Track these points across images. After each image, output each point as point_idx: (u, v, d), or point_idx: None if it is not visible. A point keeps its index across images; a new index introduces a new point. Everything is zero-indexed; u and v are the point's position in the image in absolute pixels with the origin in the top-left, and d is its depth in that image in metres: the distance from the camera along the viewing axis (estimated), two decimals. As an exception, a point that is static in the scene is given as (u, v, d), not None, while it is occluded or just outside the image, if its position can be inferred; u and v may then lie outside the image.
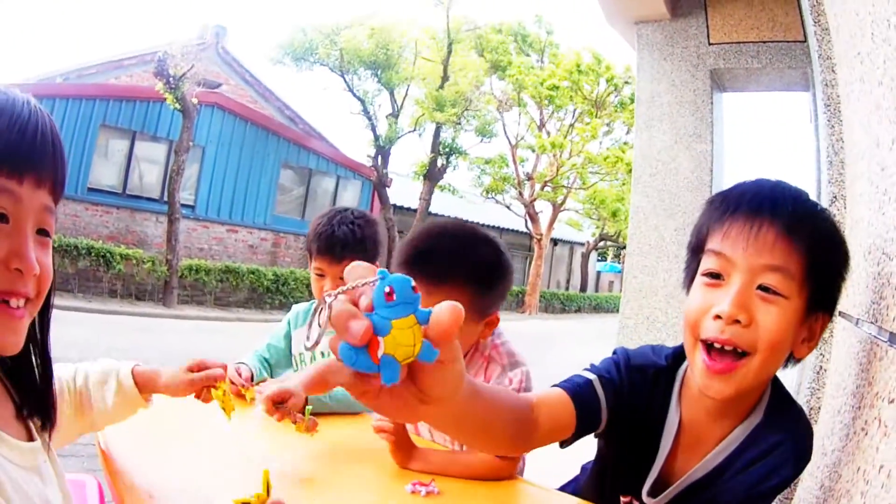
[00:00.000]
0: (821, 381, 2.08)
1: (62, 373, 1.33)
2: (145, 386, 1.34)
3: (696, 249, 1.20)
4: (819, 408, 2.01)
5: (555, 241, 30.11)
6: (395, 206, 20.93)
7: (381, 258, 2.35)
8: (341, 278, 1.88)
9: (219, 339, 11.00)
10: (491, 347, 1.73)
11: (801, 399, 2.25)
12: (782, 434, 1.13)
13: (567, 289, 32.94)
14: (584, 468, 1.64)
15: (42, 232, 0.88)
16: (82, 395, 1.32)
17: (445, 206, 22.48)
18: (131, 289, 13.88)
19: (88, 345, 8.35)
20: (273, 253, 18.17)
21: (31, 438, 0.95)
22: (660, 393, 1.27)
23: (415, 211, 21.01)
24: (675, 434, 1.24)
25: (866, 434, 0.99)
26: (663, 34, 4.13)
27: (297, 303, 2.53)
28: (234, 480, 1.37)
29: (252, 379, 2.17)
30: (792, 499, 1.94)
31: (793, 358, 1.16)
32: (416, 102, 20.48)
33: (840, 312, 1.99)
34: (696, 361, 1.13)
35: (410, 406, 0.67)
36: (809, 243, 1.07)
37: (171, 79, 13.02)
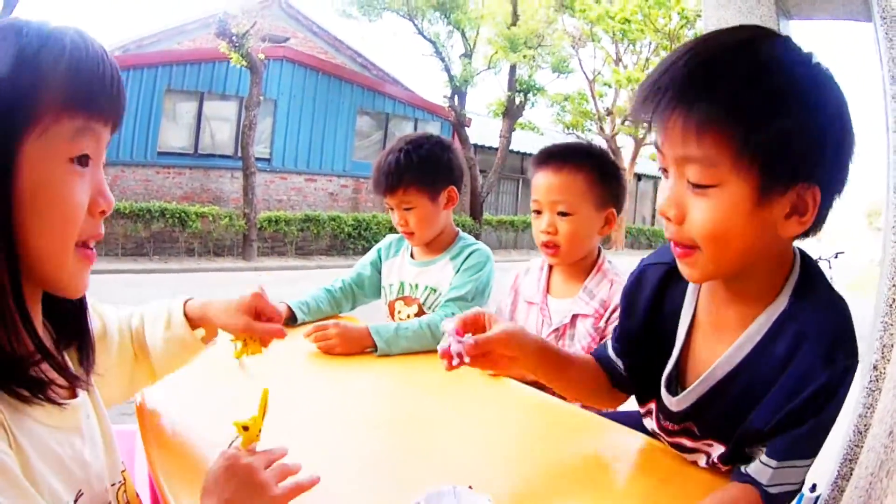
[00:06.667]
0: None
1: (118, 314, 1.27)
2: (201, 320, 1.28)
3: None
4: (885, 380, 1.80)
5: (638, 177, 29.18)
6: (475, 145, 20.75)
7: (460, 179, 2.27)
8: (405, 209, 2.16)
9: (299, 287, 11.08)
10: (613, 274, 1.92)
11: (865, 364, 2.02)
12: (804, 325, 0.99)
13: (652, 224, 32.07)
14: None
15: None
16: (139, 335, 1.26)
17: (526, 143, 22.10)
18: (209, 246, 14.05)
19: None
20: (354, 199, 18.25)
21: (73, 395, 0.90)
22: (676, 288, 1.19)
23: (495, 149, 20.77)
24: (689, 325, 1.15)
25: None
26: (727, -43, 3.80)
27: (380, 245, 2.48)
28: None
29: (294, 319, 2.28)
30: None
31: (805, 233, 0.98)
32: (489, 42, 20.07)
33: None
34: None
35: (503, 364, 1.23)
36: (730, 121, 0.90)
37: (233, 38, 13.01)
